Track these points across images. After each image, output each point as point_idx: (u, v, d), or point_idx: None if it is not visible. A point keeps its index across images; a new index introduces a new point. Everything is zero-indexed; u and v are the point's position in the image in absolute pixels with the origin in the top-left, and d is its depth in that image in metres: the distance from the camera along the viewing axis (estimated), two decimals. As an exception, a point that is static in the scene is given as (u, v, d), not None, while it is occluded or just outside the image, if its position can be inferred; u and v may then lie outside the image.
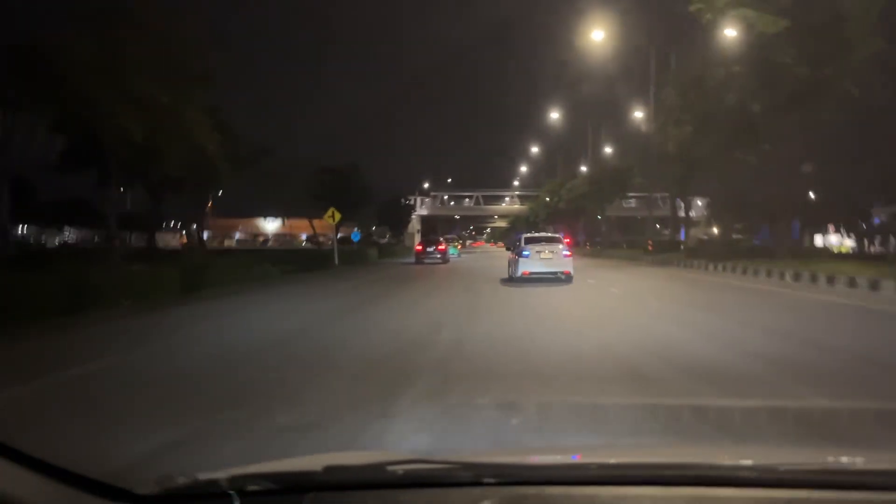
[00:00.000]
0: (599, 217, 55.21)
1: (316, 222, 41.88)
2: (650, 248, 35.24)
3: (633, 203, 72.91)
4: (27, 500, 1.24)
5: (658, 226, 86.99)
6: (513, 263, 18.27)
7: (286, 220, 60.03)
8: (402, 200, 74.26)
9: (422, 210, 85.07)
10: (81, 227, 68.76)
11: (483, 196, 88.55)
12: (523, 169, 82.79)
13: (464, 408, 4.73)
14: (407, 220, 75.70)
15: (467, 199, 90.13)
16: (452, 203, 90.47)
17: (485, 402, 4.87)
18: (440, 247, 33.11)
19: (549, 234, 21.50)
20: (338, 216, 27.69)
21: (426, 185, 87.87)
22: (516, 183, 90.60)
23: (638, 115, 39.80)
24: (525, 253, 17.45)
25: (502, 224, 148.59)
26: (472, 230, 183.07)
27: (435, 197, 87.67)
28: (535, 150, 70.77)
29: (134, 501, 1.39)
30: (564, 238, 20.16)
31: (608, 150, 50.23)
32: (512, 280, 17.85)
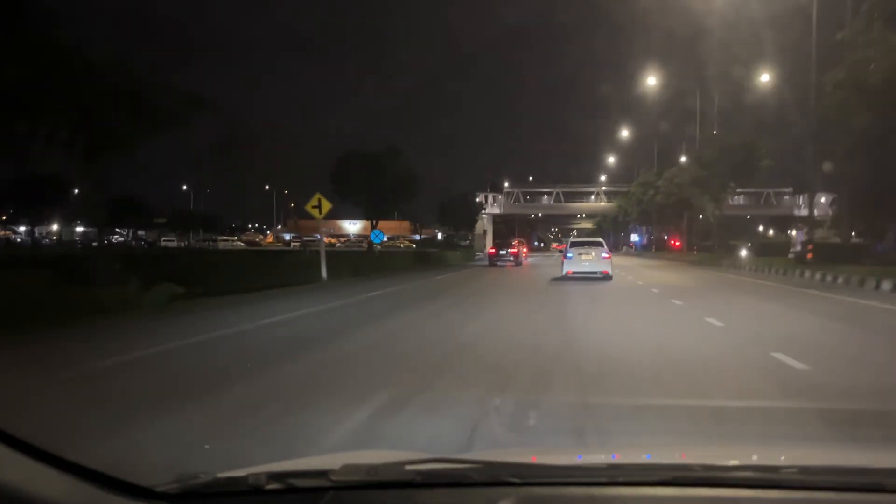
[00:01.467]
0: (702, 216, 44.42)
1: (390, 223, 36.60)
2: (809, 255, 24.87)
3: (740, 200, 61.38)
4: (47, 496, 1.24)
5: (761, 227, 76.03)
6: (562, 264, 20.76)
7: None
8: (471, 197, 65.62)
9: (493, 208, 76.13)
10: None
11: (564, 192, 78.51)
12: (611, 160, 71.88)
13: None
14: (474, 220, 67.05)
15: (546, 197, 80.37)
16: (528, 198, 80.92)
17: None
18: (513, 249, 33.30)
19: (592, 239, 23.86)
20: (326, 206, 19.33)
21: (502, 182, 78.86)
22: (603, 178, 79.77)
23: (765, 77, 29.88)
24: (569, 255, 20.29)
25: (588, 225, 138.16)
26: (556, 231, 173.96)
27: (509, 194, 78.51)
28: (625, 135, 59.93)
29: (154, 499, 1.39)
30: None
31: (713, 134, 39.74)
32: (563, 279, 19.64)
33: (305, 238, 62.52)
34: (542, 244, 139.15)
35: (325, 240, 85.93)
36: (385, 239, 32.63)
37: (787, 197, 66.85)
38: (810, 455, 1.90)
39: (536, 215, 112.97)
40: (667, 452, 1.94)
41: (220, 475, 1.47)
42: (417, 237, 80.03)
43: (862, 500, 1.38)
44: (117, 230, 74.10)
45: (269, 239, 77.43)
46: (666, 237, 57.80)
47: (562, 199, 78.17)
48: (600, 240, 23.22)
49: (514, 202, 78.29)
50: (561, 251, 28.42)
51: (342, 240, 78.86)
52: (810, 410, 4.56)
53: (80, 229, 75.01)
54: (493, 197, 77.28)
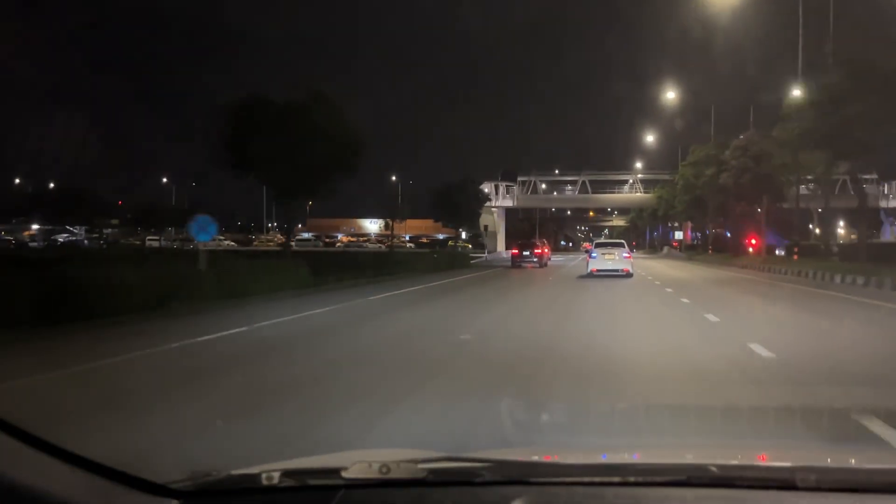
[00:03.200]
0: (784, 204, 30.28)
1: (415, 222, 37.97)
2: None
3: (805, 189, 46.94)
4: (60, 493, 1.25)
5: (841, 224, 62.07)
6: (587, 263, 23.25)
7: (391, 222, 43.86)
8: (474, 185, 52.06)
9: (504, 200, 62.51)
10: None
11: (591, 181, 64.55)
12: (649, 139, 57.34)
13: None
14: (478, 213, 53.67)
15: (569, 187, 66.47)
16: (547, 188, 67.05)
17: None
18: (537, 250, 31.51)
19: (615, 241, 28.85)
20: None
21: (516, 171, 65.18)
22: (638, 165, 65.34)
23: None
24: (594, 255, 23.03)
25: (621, 222, 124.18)
26: (587, 231, 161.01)
27: (524, 183, 64.75)
28: (670, 99, 45.48)
29: (167, 495, 1.40)
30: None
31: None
32: (588, 276, 21.83)
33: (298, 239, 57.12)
34: (571, 243, 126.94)
35: (343, 239, 72.07)
36: (216, 235, 18.57)
37: (866, 185, 52.09)
38: (826, 457, 1.84)
39: (562, 212, 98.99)
40: (681, 452, 1.93)
41: (234, 472, 1.47)
42: (406, 237, 66.87)
43: (879, 503, 1.37)
44: (70, 228, 64.82)
45: (281, 238, 70.68)
46: (728, 234, 43.65)
47: (588, 188, 64.25)
48: (622, 241, 27.04)
49: (530, 193, 64.50)
50: (587, 251, 30.89)
51: (362, 239, 72.03)
52: None
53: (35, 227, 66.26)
54: (506, 187, 63.45)
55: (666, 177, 60.24)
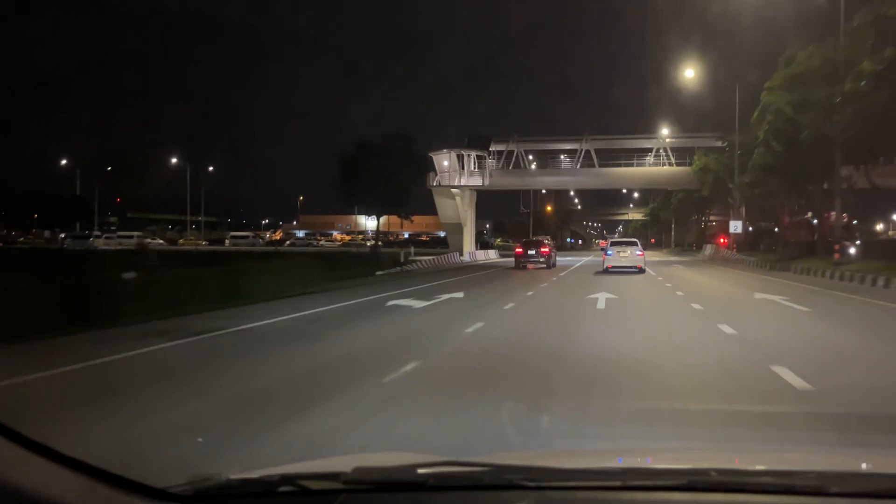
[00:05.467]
0: None
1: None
2: None
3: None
4: (61, 497, 1.24)
5: None
6: (603, 261, 23.83)
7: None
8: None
9: (471, 178, 43.49)
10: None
11: (596, 150, 45.27)
12: (687, 75, 37.16)
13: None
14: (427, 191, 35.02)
15: (564, 158, 47.15)
16: (533, 160, 47.67)
17: None
18: (544, 249, 28.39)
19: (628, 240, 28.09)
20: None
21: (490, 138, 46.19)
22: (665, 132, 45.75)
23: None
24: (609, 253, 23.51)
25: (638, 215, 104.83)
26: (598, 227, 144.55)
27: (499, 155, 45.65)
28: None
29: (166, 500, 1.39)
30: None
31: None
32: (604, 272, 22.30)
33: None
34: (580, 241, 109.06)
35: (337, 237, 68.10)
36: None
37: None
38: (826, 460, 1.88)
39: (564, 200, 79.91)
40: (682, 456, 1.95)
41: (233, 477, 1.46)
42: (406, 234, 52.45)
43: None
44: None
45: (278, 235, 68.93)
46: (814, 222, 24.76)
47: (594, 159, 44.84)
48: (635, 240, 27.48)
49: (510, 167, 45.22)
50: (602, 248, 31.95)
51: (359, 237, 67.38)
52: None
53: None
54: (475, 159, 44.36)
55: (712, 142, 41.10)
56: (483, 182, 42.93)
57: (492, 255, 42.56)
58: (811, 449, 3.10)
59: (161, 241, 53.01)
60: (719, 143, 39.92)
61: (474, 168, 43.26)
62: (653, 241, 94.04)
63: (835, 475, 1.45)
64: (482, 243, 49.15)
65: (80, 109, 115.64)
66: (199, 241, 57.23)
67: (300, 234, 68.11)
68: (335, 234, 72.88)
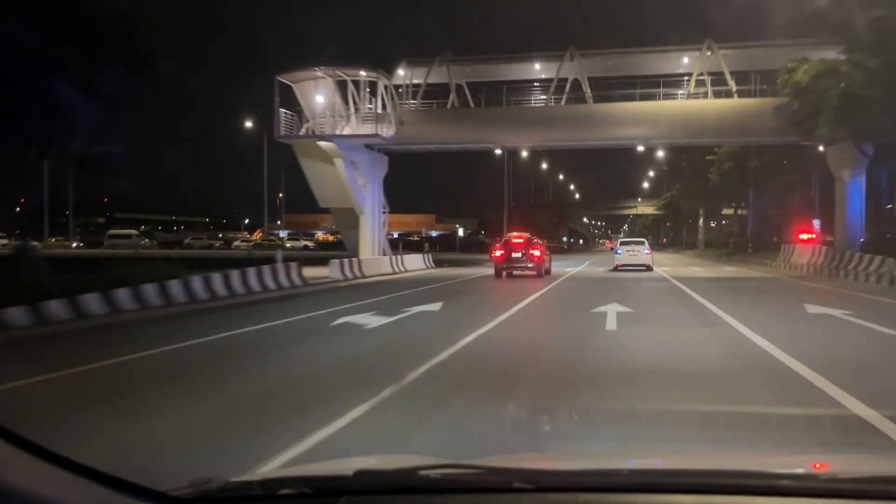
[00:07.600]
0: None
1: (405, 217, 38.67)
2: None
3: None
4: (59, 499, 1.24)
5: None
6: (613, 260, 25.79)
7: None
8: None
9: (365, 125, 24.74)
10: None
11: (592, 79, 26.36)
12: None
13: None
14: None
15: (536, 92, 28.26)
16: (486, 90, 28.91)
17: None
18: (533, 251, 21.57)
19: (637, 239, 28.47)
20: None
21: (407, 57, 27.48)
22: (710, 43, 26.86)
23: None
24: (618, 252, 25.28)
25: (649, 209, 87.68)
26: (601, 225, 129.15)
27: (428, 73, 26.82)
28: None
29: (167, 503, 1.40)
30: None
31: None
32: (614, 270, 24.34)
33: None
34: (580, 240, 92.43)
35: (321, 236, 65.84)
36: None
37: None
38: (839, 462, 1.84)
39: (570, 198, 63.19)
40: (687, 458, 1.91)
41: (232, 480, 1.46)
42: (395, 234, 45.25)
43: None
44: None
45: (257, 236, 65.53)
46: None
47: (589, 94, 25.98)
48: (643, 239, 28.01)
49: (445, 105, 26.46)
50: (611, 248, 35.63)
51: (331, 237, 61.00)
52: None
53: None
54: (382, 92, 25.63)
55: (811, 51, 23.22)
56: (387, 132, 24.21)
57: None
58: (830, 453, 2.99)
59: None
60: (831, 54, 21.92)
61: (375, 108, 24.65)
62: (665, 240, 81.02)
63: (848, 478, 1.43)
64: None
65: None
66: (67, 243, 49.26)
67: (282, 234, 64.09)
68: (319, 234, 69.53)
